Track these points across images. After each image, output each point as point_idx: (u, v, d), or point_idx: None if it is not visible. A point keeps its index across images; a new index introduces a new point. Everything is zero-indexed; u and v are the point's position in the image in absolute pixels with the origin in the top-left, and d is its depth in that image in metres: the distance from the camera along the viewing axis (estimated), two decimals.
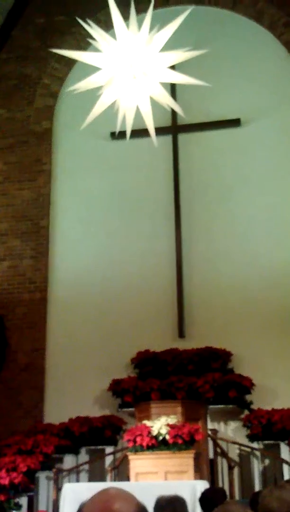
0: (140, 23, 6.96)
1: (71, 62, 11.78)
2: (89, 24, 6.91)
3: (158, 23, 7.15)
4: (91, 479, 9.37)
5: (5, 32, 12.44)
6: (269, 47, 11.49)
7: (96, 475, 9.42)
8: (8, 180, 11.75)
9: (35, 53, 12.30)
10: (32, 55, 12.31)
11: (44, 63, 12.17)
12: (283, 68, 11.34)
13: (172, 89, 10.41)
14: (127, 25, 6.98)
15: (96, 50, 7.33)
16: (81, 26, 7.21)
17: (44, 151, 11.79)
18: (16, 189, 11.65)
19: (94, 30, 6.96)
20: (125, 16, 7.02)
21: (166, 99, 7.60)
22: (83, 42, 8.20)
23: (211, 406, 9.12)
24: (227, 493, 7.91)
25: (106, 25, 8.93)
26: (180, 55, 7.37)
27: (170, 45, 7.25)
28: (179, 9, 8.66)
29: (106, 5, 7.08)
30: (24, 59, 12.34)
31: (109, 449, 9.48)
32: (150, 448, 7.00)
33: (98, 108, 7.41)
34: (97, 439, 9.50)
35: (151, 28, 6.98)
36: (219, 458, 8.78)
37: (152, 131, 7.61)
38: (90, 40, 7.16)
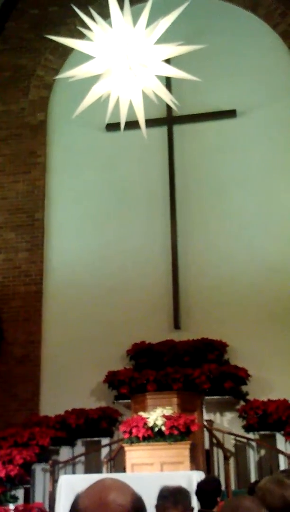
0: (134, 14, 6.93)
1: (65, 54, 11.73)
2: (90, 14, 6.86)
3: (152, 14, 7.12)
4: (87, 470, 9.40)
5: None
6: (264, 37, 11.45)
7: (92, 467, 9.44)
8: (3, 172, 11.71)
9: (29, 44, 12.24)
10: (26, 47, 12.25)
11: (39, 55, 12.12)
12: (278, 59, 11.31)
13: (167, 80, 10.38)
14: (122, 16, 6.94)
15: (91, 40, 7.29)
16: (76, 17, 7.18)
17: (39, 143, 11.75)
18: (10, 182, 11.61)
19: (90, 19, 6.92)
20: (119, 7, 6.98)
21: (161, 91, 7.58)
22: (77, 33, 8.15)
23: (206, 397, 9.15)
24: (223, 483, 7.95)
25: (100, 16, 8.87)
26: (176, 49, 7.35)
27: (164, 35, 7.23)
28: (174, 1, 8.60)
29: None
30: (18, 50, 12.27)
31: (105, 441, 9.50)
32: (146, 439, 7.02)
33: (90, 98, 7.38)
34: (93, 431, 9.52)
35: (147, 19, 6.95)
36: (215, 449, 8.81)
37: (142, 123, 7.60)
38: (85, 31, 7.11)
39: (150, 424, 7.04)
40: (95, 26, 6.91)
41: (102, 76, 7.15)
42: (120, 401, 9.71)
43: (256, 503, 2.34)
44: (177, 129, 11.30)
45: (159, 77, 7.48)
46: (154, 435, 7.02)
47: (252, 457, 9.14)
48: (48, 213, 11.38)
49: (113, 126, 10.68)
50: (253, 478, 8.81)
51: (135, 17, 6.93)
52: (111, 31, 6.92)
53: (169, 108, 10.88)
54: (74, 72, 7.41)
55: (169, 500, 3.61)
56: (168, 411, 7.19)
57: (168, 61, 7.64)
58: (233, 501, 2.37)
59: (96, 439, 9.57)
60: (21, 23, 12.41)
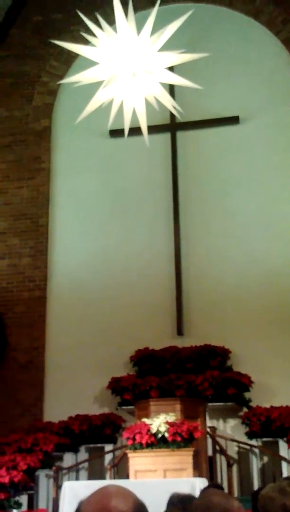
0: (137, 21, 6.95)
1: (69, 60, 11.78)
2: (96, 19, 6.87)
3: (155, 21, 7.13)
4: (91, 477, 9.39)
5: (3, 30, 12.44)
6: (267, 44, 11.49)
7: (95, 473, 9.44)
8: (7, 178, 11.75)
9: (33, 51, 12.29)
10: (30, 53, 12.30)
11: (43, 61, 12.17)
12: (281, 65, 11.34)
13: (171, 86, 10.39)
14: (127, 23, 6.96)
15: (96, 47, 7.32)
16: (79, 24, 7.22)
17: (43, 149, 11.79)
18: (15, 188, 11.65)
19: (95, 26, 6.94)
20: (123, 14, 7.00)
21: (164, 98, 7.59)
22: (81, 40, 8.20)
23: (210, 404, 9.14)
24: (226, 490, 7.94)
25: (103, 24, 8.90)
26: (180, 57, 7.35)
27: (167, 41, 7.22)
28: (176, 7, 8.65)
29: (104, 4, 7.08)
30: (22, 57, 12.33)
31: (108, 447, 9.50)
32: (149, 446, 7.01)
33: (93, 104, 7.40)
34: (96, 437, 9.52)
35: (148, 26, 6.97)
36: (218, 456, 8.80)
37: (144, 130, 7.60)
38: (89, 37, 7.13)
39: (154, 430, 7.03)
40: (100, 32, 6.93)
41: (105, 82, 7.16)
42: (124, 407, 9.71)
43: (225, 497, 2.33)
44: (180, 135, 11.33)
45: (162, 84, 7.49)
46: (157, 442, 7.02)
47: (255, 464, 9.13)
48: (52, 218, 11.41)
49: (116, 132, 10.71)
50: (256, 484, 8.79)
51: (138, 24, 6.95)
52: (116, 38, 6.94)
53: (172, 114, 10.90)
54: (78, 78, 7.43)
55: (178, 507, 3.61)
56: (171, 418, 7.19)
57: (171, 67, 7.65)
58: (203, 498, 2.36)
59: (99, 445, 9.57)
60: (25, 30, 12.47)
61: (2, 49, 12.45)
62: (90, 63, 7.36)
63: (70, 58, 11.73)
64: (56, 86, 11.91)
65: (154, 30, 7.01)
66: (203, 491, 2.40)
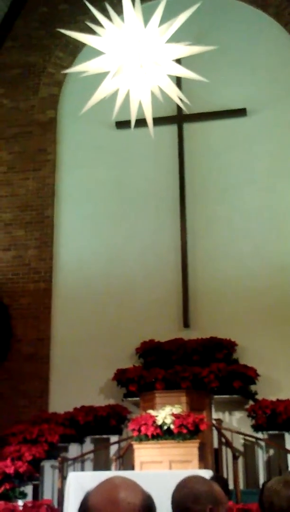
0: (145, 12, 6.91)
1: (75, 51, 11.74)
2: (103, 10, 6.83)
3: (163, 12, 7.09)
4: (96, 468, 9.41)
5: (8, 21, 12.40)
6: (275, 36, 11.41)
7: (101, 464, 9.46)
8: (13, 170, 11.73)
9: (39, 42, 12.25)
10: (36, 44, 12.26)
11: (48, 52, 12.13)
12: (289, 57, 11.26)
13: (178, 78, 10.34)
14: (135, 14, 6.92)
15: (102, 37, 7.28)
16: (85, 14, 7.18)
17: (49, 140, 11.76)
18: (20, 179, 11.63)
19: (102, 16, 6.90)
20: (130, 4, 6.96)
21: (171, 89, 7.55)
22: (87, 31, 8.15)
23: (215, 396, 9.13)
24: (231, 482, 7.94)
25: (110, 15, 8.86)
26: (188, 49, 7.31)
27: (174, 33, 7.18)
28: None
29: None
30: (28, 48, 12.29)
31: (114, 438, 9.51)
32: (155, 437, 7.01)
33: (99, 94, 7.37)
34: (102, 428, 9.53)
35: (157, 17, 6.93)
36: (223, 448, 8.79)
37: (150, 122, 7.57)
38: (96, 28, 7.09)
39: (159, 422, 7.03)
40: (107, 22, 6.89)
41: (112, 73, 7.13)
42: (129, 398, 9.72)
43: (207, 484, 2.31)
44: (187, 127, 11.29)
45: (169, 75, 7.45)
46: (163, 434, 7.02)
47: (261, 456, 9.13)
48: (58, 210, 11.40)
49: (123, 124, 10.68)
50: (261, 477, 8.80)
51: (146, 15, 6.91)
52: (123, 28, 6.90)
53: (179, 106, 10.86)
54: (84, 67, 7.39)
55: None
56: (177, 410, 7.19)
57: (178, 59, 7.60)
58: (186, 488, 2.33)
59: (105, 436, 9.59)
60: (30, 21, 12.42)
61: (8, 40, 12.42)
62: (96, 54, 7.33)
63: (76, 49, 11.69)
64: (62, 77, 11.87)
65: (162, 21, 6.97)
66: (184, 481, 2.36)
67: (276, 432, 9.07)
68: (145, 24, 6.92)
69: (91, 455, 9.57)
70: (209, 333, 10.05)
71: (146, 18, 6.96)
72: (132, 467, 7.45)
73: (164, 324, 10.34)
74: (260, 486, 4.87)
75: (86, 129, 11.49)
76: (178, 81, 10.31)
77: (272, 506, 2.46)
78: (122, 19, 6.93)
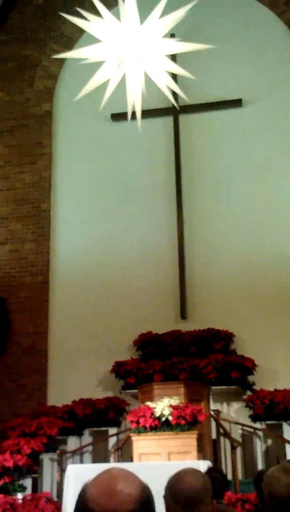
0: (142, 5, 6.91)
1: (70, 43, 11.69)
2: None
3: (154, 5, 7.08)
4: (95, 460, 9.44)
5: (3, 13, 12.33)
6: (270, 25, 11.37)
7: (99, 457, 9.48)
8: (9, 163, 11.70)
9: (34, 34, 12.19)
10: (31, 37, 12.21)
11: (44, 45, 12.07)
12: (284, 47, 11.24)
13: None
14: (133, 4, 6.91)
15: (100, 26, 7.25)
16: (81, 6, 7.15)
17: (45, 133, 11.73)
18: (16, 173, 11.61)
19: (102, 4, 6.89)
20: None
21: (166, 81, 7.53)
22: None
23: (213, 387, 9.16)
24: (230, 473, 7.98)
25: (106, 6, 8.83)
26: (184, 45, 7.30)
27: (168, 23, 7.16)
28: None
29: None
30: (23, 41, 12.23)
31: (112, 431, 9.53)
32: (153, 429, 7.03)
33: (94, 82, 7.36)
34: (100, 421, 9.55)
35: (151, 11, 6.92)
36: (221, 439, 8.82)
37: (139, 115, 7.55)
38: (91, 17, 7.07)
39: (157, 414, 7.05)
40: (105, 11, 6.88)
41: (108, 62, 7.12)
42: (127, 391, 9.74)
43: (201, 476, 2.32)
44: (183, 118, 11.26)
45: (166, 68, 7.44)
46: (161, 425, 7.04)
47: (259, 446, 9.16)
48: (54, 203, 11.38)
49: (118, 116, 10.66)
50: (260, 467, 8.83)
51: (143, 7, 6.92)
52: (120, 20, 6.89)
53: (175, 97, 10.84)
54: (78, 53, 7.38)
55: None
56: (175, 401, 7.21)
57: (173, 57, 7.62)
58: (182, 482, 2.32)
59: (103, 429, 9.61)
60: (25, 13, 12.36)
61: (3, 33, 12.35)
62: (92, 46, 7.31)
63: (70, 42, 11.65)
64: (57, 70, 11.85)
65: (154, 11, 6.96)
66: (178, 474, 2.37)
67: (274, 422, 9.10)
68: (143, 17, 6.91)
69: (90, 448, 9.60)
70: (207, 324, 10.06)
71: (144, 10, 6.96)
72: (130, 459, 7.48)
73: (162, 316, 10.35)
74: (254, 478, 4.87)
75: (82, 122, 11.47)
76: (174, 73, 10.29)
77: (272, 494, 2.47)
78: (117, 11, 6.92)
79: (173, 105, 11.00)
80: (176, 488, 2.32)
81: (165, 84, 7.53)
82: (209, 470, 4.84)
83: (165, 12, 7.00)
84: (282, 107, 11.01)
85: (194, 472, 2.43)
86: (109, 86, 7.33)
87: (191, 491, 2.31)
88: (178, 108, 8.38)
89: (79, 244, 11.04)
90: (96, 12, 7.14)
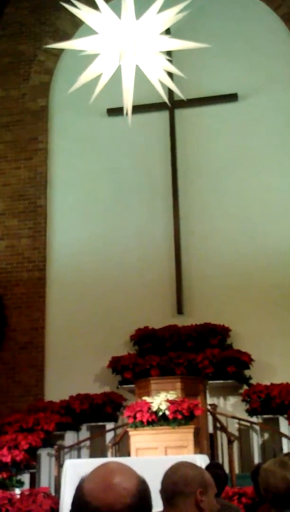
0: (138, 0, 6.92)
1: (65, 38, 11.63)
2: None
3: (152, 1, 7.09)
4: (92, 455, 9.46)
5: None
6: (266, 20, 11.36)
7: (97, 451, 9.50)
8: (4, 159, 11.69)
9: (29, 29, 12.16)
10: (26, 32, 12.18)
11: (39, 40, 12.04)
12: (280, 42, 11.23)
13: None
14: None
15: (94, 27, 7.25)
16: (77, 1, 7.13)
17: (40, 129, 11.71)
18: (12, 168, 11.59)
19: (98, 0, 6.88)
20: None
21: (162, 76, 7.53)
22: (78, 18, 8.11)
23: (210, 382, 9.17)
24: (227, 467, 8.01)
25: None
26: (182, 43, 7.32)
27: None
28: None
29: None
30: (18, 36, 12.20)
31: (109, 426, 9.56)
32: (150, 423, 7.05)
33: (87, 75, 7.36)
34: (97, 416, 9.57)
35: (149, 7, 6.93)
36: (218, 433, 8.86)
37: (129, 109, 7.54)
38: (87, 12, 7.06)
39: (154, 408, 7.07)
40: (103, 3, 6.87)
41: (102, 55, 7.13)
42: (124, 386, 9.76)
43: (197, 468, 2.30)
44: (178, 113, 11.25)
45: (162, 60, 7.43)
46: (158, 420, 7.05)
47: (256, 440, 9.19)
48: (50, 199, 11.37)
49: (114, 111, 10.65)
50: (256, 461, 8.85)
51: (140, 2, 6.93)
52: (118, 15, 6.89)
53: (170, 92, 10.83)
54: (72, 44, 7.38)
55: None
56: (172, 396, 7.22)
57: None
58: (177, 474, 2.26)
59: (100, 424, 9.63)
60: (20, 8, 12.32)
61: None
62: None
63: (66, 36, 11.61)
64: (53, 65, 11.83)
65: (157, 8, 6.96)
66: (174, 466, 2.32)
67: (271, 416, 9.13)
68: (142, 13, 6.92)
69: (87, 443, 9.62)
70: (203, 319, 10.08)
71: (142, 5, 6.96)
72: (128, 454, 7.50)
73: (158, 311, 10.36)
74: (251, 472, 4.89)
75: (77, 117, 11.45)
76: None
77: (268, 487, 2.49)
78: (114, 5, 6.92)
79: (169, 99, 11.04)
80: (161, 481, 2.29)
81: (159, 80, 7.52)
82: (212, 467, 4.81)
83: (162, 9, 7.00)
84: (277, 101, 11.01)
85: (177, 465, 2.34)
86: (103, 79, 7.33)
87: (168, 483, 2.26)
88: (169, 104, 8.38)
89: (75, 239, 11.04)
90: (93, 6, 7.13)
